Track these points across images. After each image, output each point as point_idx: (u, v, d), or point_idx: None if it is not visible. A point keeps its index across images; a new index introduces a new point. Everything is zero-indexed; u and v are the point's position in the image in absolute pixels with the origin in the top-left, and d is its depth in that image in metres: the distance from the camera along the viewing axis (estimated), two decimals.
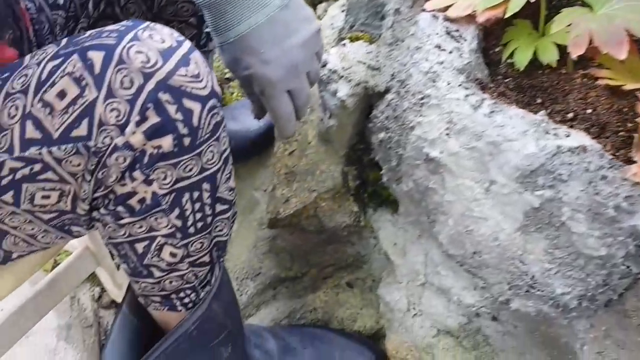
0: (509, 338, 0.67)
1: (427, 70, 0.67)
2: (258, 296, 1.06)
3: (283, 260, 1.03)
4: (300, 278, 1.02)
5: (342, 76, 0.79)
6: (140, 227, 0.62)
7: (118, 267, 1.31)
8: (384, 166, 0.77)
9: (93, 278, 1.31)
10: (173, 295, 0.70)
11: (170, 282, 0.68)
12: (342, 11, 1.03)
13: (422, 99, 0.67)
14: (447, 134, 0.63)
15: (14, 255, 0.69)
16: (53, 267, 1.15)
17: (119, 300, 1.27)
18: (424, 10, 0.74)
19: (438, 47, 0.68)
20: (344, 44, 0.83)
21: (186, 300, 0.71)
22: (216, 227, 0.67)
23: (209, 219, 0.65)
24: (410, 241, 0.78)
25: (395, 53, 0.77)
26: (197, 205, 0.62)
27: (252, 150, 1.10)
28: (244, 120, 1.09)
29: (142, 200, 0.59)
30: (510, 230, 0.60)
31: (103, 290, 1.31)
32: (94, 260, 1.14)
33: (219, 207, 0.65)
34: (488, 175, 0.60)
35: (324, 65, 0.82)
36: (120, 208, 0.60)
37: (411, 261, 0.77)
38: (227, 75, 1.31)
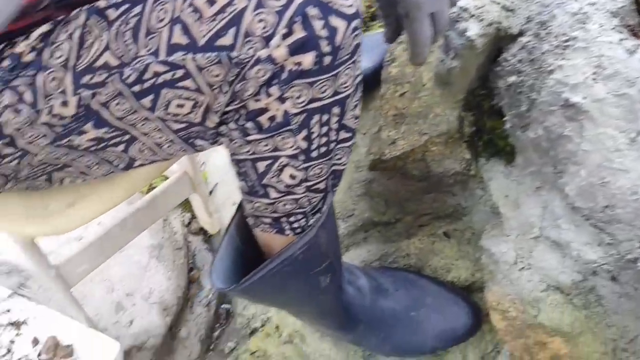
0: (626, 301, 0.65)
1: (576, 12, 0.63)
2: (348, 237, 1.06)
3: (377, 205, 1.02)
4: (394, 224, 1.01)
5: (474, 15, 0.76)
6: (266, 145, 0.62)
7: (210, 192, 1.34)
8: (510, 112, 0.74)
9: (184, 205, 1.36)
10: (284, 219, 0.71)
11: (284, 204, 0.69)
12: None
13: (566, 41, 0.63)
14: (594, 79, 0.60)
15: (136, 163, 0.71)
16: (148, 191, 1.19)
17: (208, 228, 1.31)
18: None
19: None
20: None
21: (295, 225, 0.71)
22: (336, 154, 0.67)
23: (331, 145, 0.64)
24: (526, 193, 0.75)
25: None
26: (324, 129, 0.62)
27: None
28: None
29: (272, 118, 0.59)
30: None
31: (193, 217, 1.35)
32: (191, 185, 1.18)
33: (343, 135, 0.65)
34: (637, 125, 0.57)
35: (453, 4, 0.79)
36: (249, 124, 0.60)
37: (525, 214, 0.74)
38: None
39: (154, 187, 1.19)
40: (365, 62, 1.12)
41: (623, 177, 0.58)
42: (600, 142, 0.60)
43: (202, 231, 1.33)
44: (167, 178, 1.18)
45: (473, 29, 0.75)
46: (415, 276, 0.91)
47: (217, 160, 1.38)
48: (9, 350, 1.05)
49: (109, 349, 1.03)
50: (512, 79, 0.71)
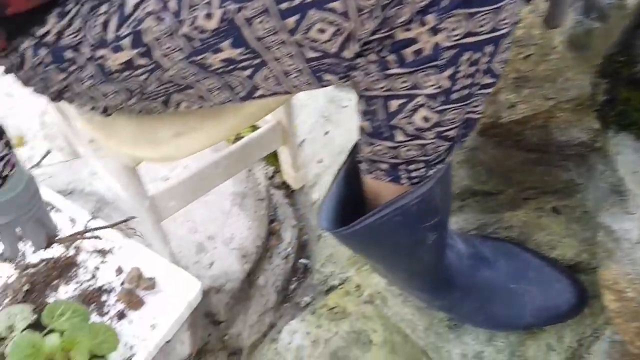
0: None
1: None
2: None
3: (478, 174, 0.98)
4: (495, 195, 0.97)
5: None
6: (405, 81, 0.59)
7: (299, 144, 1.33)
8: None
9: (268, 158, 1.35)
10: (402, 166, 0.68)
11: (408, 150, 0.65)
12: None
13: None
14: None
15: (257, 93, 0.69)
16: (234, 142, 1.18)
17: (291, 182, 1.30)
18: None
19: None
20: None
21: (414, 174, 0.68)
22: (474, 100, 0.63)
23: (474, 89, 0.61)
24: None
25: None
26: (472, 70, 0.58)
27: None
28: None
29: (419, 51, 0.56)
30: None
31: (276, 171, 1.34)
32: (282, 136, 1.16)
33: (486, 80, 0.61)
34: None
35: None
36: (391, 56, 0.57)
37: None
38: None
39: (243, 137, 1.18)
40: None
41: None
42: None
43: (284, 185, 1.32)
44: (256, 129, 1.17)
45: None
46: (518, 248, 0.87)
47: (306, 117, 1.36)
48: (93, 276, 1.07)
49: (191, 287, 1.04)
50: None
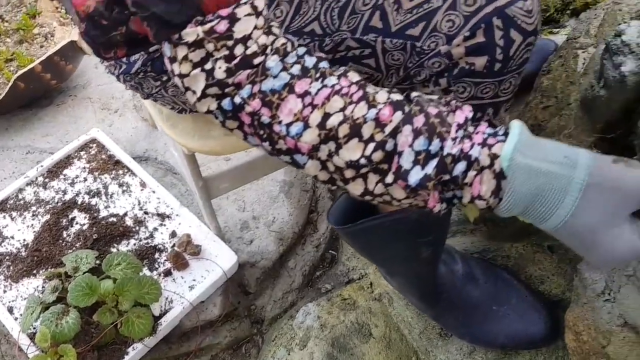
0: None
1: None
2: (457, 224, 1.14)
3: None
4: (504, 226, 1.08)
5: (634, 52, 0.79)
6: None
7: None
8: (639, 154, 0.78)
9: None
10: None
11: None
12: None
13: None
14: None
15: None
16: None
17: None
18: None
19: None
20: None
21: None
22: None
23: None
24: None
25: None
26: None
27: None
28: None
29: None
30: None
31: None
32: None
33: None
34: None
35: (618, 35, 0.82)
36: None
37: None
38: None
39: None
40: (529, 64, 1.16)
41: None
42: None
43: None
44: None
45: (628, 65, 0.78)
46: (509, 276, 0.99)
47: None
48: (151, 235, 1.28)
49: (229, 259, 1.23)
50: None
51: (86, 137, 1.45)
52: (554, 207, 0.51)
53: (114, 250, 1.25)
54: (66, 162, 1.42)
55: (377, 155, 0.52)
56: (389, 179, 0.53)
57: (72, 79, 1.66)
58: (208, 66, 0.52)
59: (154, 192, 1.35)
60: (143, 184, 1.36)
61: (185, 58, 0.53)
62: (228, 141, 0.97)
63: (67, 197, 1.35)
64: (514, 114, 1.12)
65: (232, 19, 0.52)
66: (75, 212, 1.32)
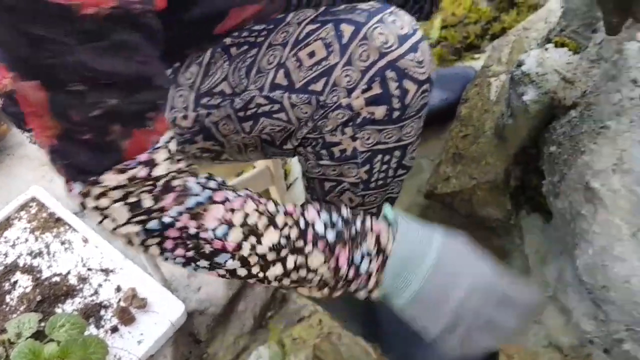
0: None
1: (616, 102, 0.70)
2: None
3: None
4: None
5: (534, 81, 0.83)
6: (334, 170, 0.76)
7: (288, 187, 1.50)
8: (547, 178, 0.81)
9: (264, 193, 1.52)
10: None
11: None
12: (561, 7, 1.04)
13: (602, 127, 0.70)
14: (613, 170, 0.67)
15: (222, 157, 0.87)
16: (237, 175, 1.36)
17: None
18: (636, 38, 0.75)
19: (634, 81, 0.69)
20: (547, 48, 0.87)
21: None
22: (392, 186, 0.79)
23: (388, 180, 0.77)
24: (552, 254, 0.83)
25: (594, 71, 0.79)
26: (384, 167, 0.75)
27: (429, 122, 1.18)
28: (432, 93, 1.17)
29: (343, 151, 0.74)
30: None
31: None
32: (271, 179, 1.34)
33: (400, 172, 0.78)
34: (639, 221, 0.63)
35: (519, 65, 0.87)
36: (323, 151, 0.75)
37: (546, 273, 0.82)
38: (430, 41, 1.38)
39: (244, 172, 1.36)
40: (448, 93, 1.21)
41: (620, 265, 0.65)
42: (608, 229, 0.67)
43: None
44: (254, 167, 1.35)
45: (530, 94, 0.83)
46: None
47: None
48: (96, 292, 1.28)
49: (176, 308, 1.23)
50: (553, 148, 0.79)
51: (25, 196, 1.44)
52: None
53: (59, 310, 1.24)
54: (6, 223, 1.40)
55: (294, 233, 0.61)
56: (308, 248, 0.62)
57: (8, 138, 1.66)
58: (131, 199, 0.57)
59: (96, 247, 1.34)
60: (85, 240, 1.35)
61: (102, 195, 0.57)
62: None
63: (9, 260, 1.33)
64: (440, 142, 1.16)
65: (152, 165, 0.57)
66: (18, 275, 1.31)
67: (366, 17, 0.66)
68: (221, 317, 1.31)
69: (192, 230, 0.59)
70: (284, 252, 0.61)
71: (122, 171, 0.56)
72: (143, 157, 0.57)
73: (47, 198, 1.43)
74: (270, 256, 0.61)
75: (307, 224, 0.63)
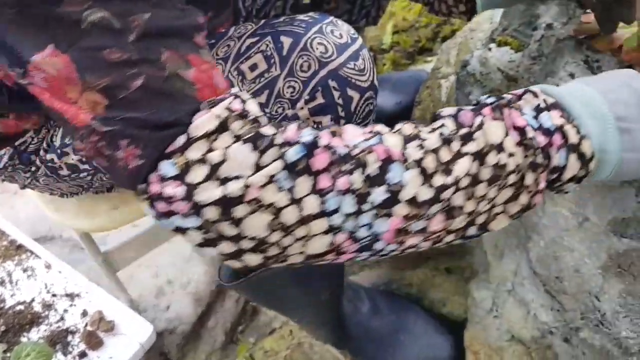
0: None
1: None
2: (363, 259, 1.18)
3: None
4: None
5: (479, 81, 0.85)
6: None
7: None
8: None
9: None
10: None
11: None
12: None
13: None
14: None
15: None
16: None
17: None
18: (572, 35, 0.77)
19: (571, 75, 0.72)
20: (490, 48, 0.89)
21: None
22: None
23: None
24: (509, 248, 0.85)
25: (535, 68, 0.81)
26: None
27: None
28: (383, 97, 1.19)
29: None
30: (592, 267, 0.65)
31: None
32: None
33: None
34: (584, 211, 0.65)
35: (464, 66, 0.88)
36: None
37: (504, 267, 0.83)
38: (383, 47, 1.40)
39: None
40: (401, 96, 1.23)
41: (569, 255, 0.67)
42: (556, 220, 0.69)
43: None
44: None
45: (475, 94, 0.85)
46: (412, 305, 1.03)
47: None
48: (62, 318, 1.26)
49: (144, 330, 1.21)
50: None
51: None
52: None
53: (24, 339, 1.22)
54: None
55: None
56: (478, 119, 0.50)
57: None
58: (247, 134, 0.46)
59: (60, 272, 1.32)
60: (48, 266, 1.33)
61: (208, 150, 0.45)
62: (115, 216, 0.98)
63: None
64: None
65: (241, 99, 0.48)
66: None
67: (305, 28, 0.67)
68: (191, 335, 1.30)
69: (342, 150, 0.47)
70: (456, 143, 0.49)
71: (214, 104, 0.46)
72: (227, 93, 0.47)
73: (6, 225, 1.40)
74: (445, 151, 0.48)
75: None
